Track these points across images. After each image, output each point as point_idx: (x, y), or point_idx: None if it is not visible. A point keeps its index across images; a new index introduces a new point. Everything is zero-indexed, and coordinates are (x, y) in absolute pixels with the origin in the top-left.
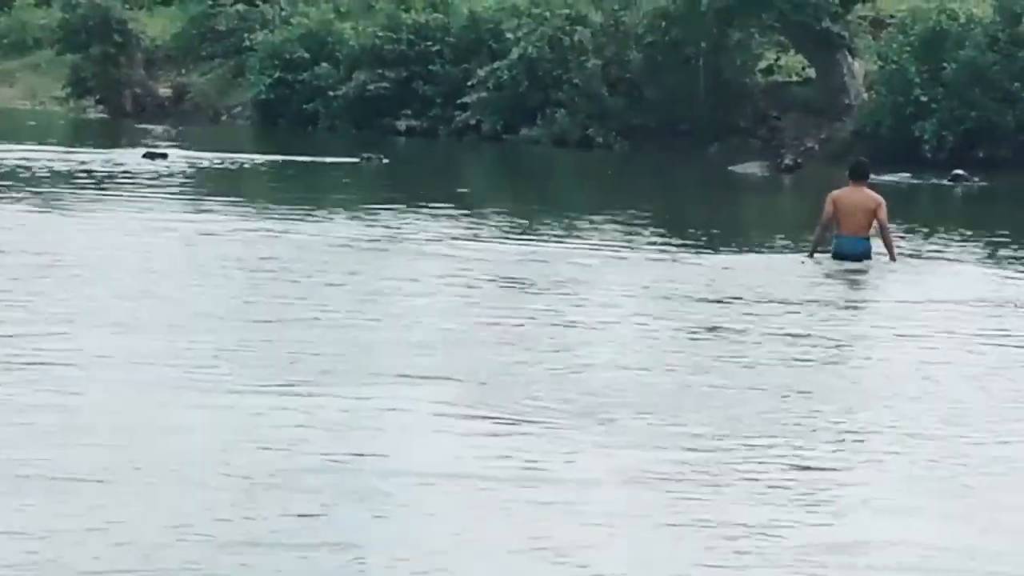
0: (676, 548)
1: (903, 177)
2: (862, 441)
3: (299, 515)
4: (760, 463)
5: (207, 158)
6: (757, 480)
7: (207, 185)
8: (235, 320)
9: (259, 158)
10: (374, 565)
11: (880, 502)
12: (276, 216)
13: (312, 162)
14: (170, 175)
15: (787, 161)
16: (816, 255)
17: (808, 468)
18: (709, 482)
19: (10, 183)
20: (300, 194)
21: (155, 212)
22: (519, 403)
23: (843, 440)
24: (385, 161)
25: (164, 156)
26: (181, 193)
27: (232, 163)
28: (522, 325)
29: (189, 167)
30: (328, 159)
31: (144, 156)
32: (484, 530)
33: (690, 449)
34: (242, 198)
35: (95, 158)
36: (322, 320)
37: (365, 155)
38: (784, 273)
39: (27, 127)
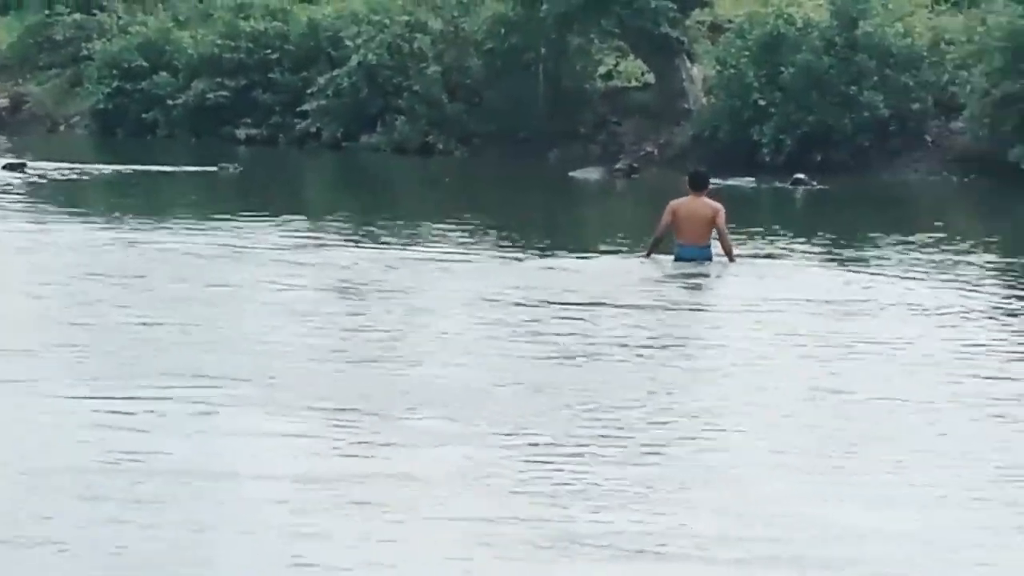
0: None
1: (746, 181)
2: (658, 439)
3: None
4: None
5: (63, 168)
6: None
7: (68, 196)
8: (50, 322)
9: (119, 168)
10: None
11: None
12: (131, 226)
13: (172, 171)
14: (30, 186)
15: (621, 166)
16: (654, 256)
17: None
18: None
19: None
20: (160, 203)
21: (11, 222)
22: (316, 403)
23: (632, 437)
24: (239, 169)
25: (23, 167)
26: (40, 204)
27: (87, 174)
28: (345, 329)
29: (43, 179)
30: (187, 168)
31: (3, 168)
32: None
33: (479, 448)
34: (101, 208)
35: None
36: (132, 323)
37: (222, 164)
38: (622, 274)
39: None
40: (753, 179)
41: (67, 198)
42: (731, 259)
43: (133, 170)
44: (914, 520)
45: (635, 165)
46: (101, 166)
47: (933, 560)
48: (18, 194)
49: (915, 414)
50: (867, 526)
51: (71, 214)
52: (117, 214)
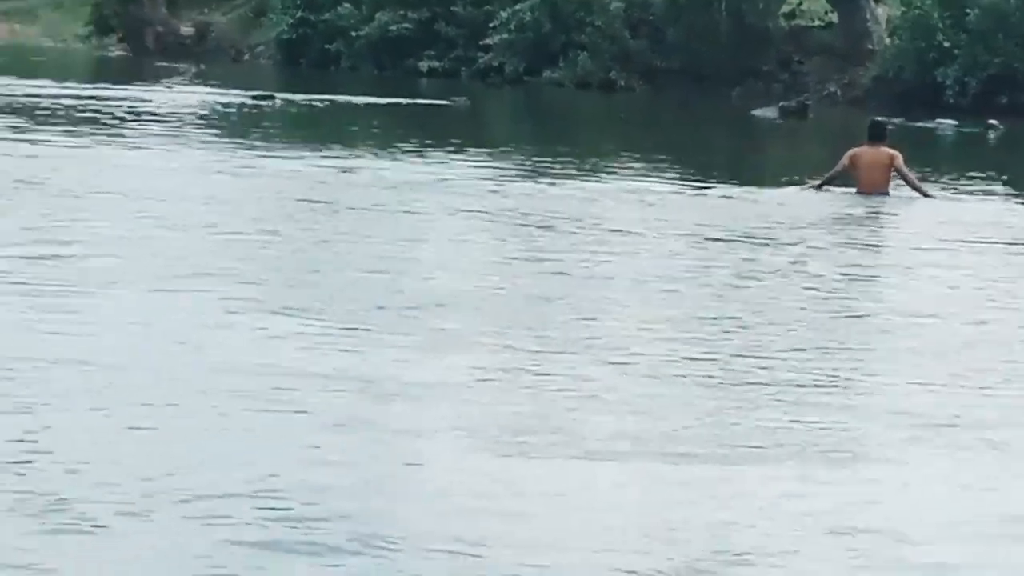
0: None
1: (941, 124)
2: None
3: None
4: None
5: (308, 100)
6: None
7: (313, 126)
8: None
9: (355, 100)
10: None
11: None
12: (362, 155)
13: (407, 104)
14: (279, 116)
15: (789, 104)
16: (831, 188)
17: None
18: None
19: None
20: (395, 135)
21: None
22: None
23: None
24: (468, 103)
25: (272, 98)
26: (288, 132)
27: (328, 105)
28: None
29: (296, 110)
30: (420, 101)
31: (252, 98)
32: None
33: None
34: (342, 138)
35: (207, 100)
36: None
37: (453, 98)
38: (802, 204)
39: (71, 65)
40: (955, 121)
41: (312, 128)
42: (925, 195)
43: (367, 103)
44: None
45: (807, 103)
46: (338, 97)
47: None
48: (268, 124)
49: None
50: None
51: (310, 143)
52: (356, 144)
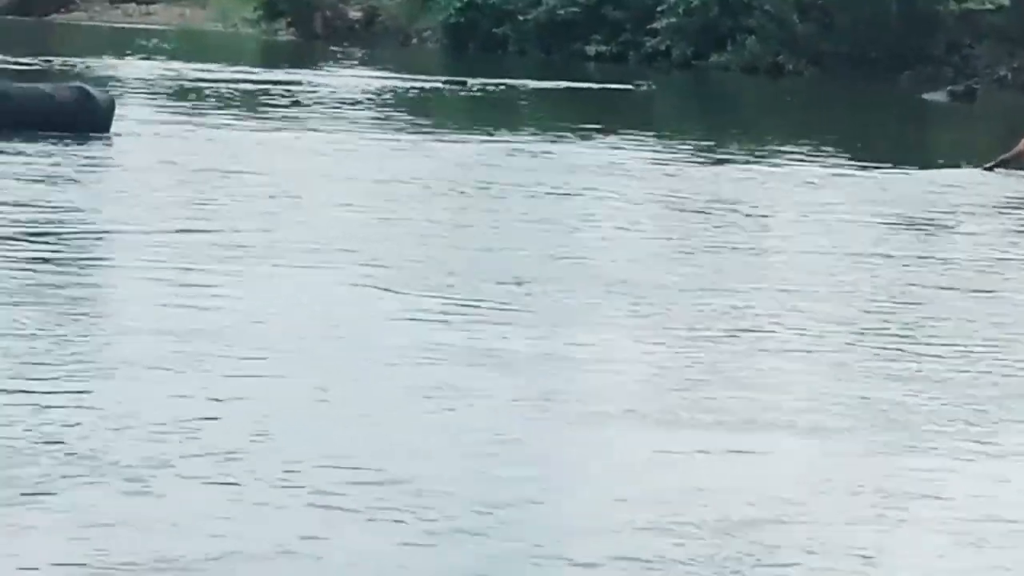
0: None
1: None
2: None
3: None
4: None
5: (496, 84)
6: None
7: (505, 109)
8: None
9: (539, 85)
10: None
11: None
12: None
13: (590, 88)
14: (472, 100)
15: (956, 88)
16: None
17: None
18: None
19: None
20: (585, 118)
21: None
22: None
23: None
24: (653, 87)
25: (464, 83)
26: (479, 115)
27: (515, 88)
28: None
29: (482, 93)
30: (601, 85)
31: (445, 83)
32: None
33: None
34: (528, 121)
35: (386, 84)
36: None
37: (637, 82)
38: (976, 185)
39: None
40: None
41: (504, 111)
42: None
43: (554, 86)
44: None
45: (975, 87)
46: (528, 81)
47: None
48: (459, 108)
49: None
50: None
51: (504, 126)
52: (548, 127)
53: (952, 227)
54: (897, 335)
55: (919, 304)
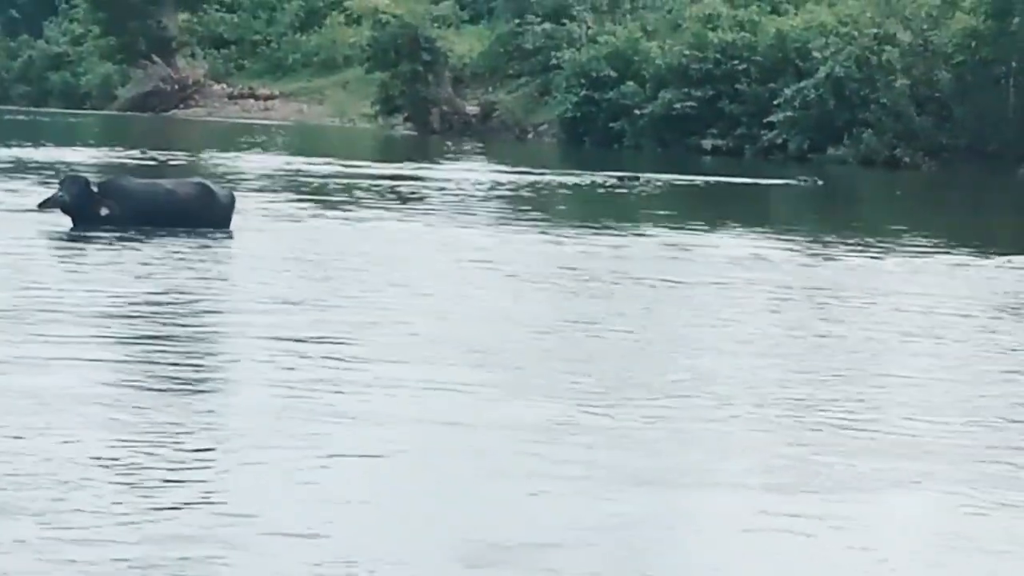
0: None
1: None
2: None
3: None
4: None
5: (669, 180)
6: None
7: (674, 204)
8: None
9: (704, 179)
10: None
11: None
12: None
13: (751, 184)
14: (642, 197)
15: None
16: None
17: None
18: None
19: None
20: (754, 214)
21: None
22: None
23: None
24: (820, 183)
25: (637, 179)
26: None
27: (681, 185)
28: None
29: (656, 189)
30: (763, 181)
31: (618, 179)
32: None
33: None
34: (697, 216)
35: (522, 179)
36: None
37: (801, 177)
38: None
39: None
40: None
41: (674, 205)
42: None
43: (716, 181)
44: None
45: None
46: (693, 177)
47: None
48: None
49: None
50: None
51: (648, 221)
52: (700, 223)
53: None
54: None
55: None
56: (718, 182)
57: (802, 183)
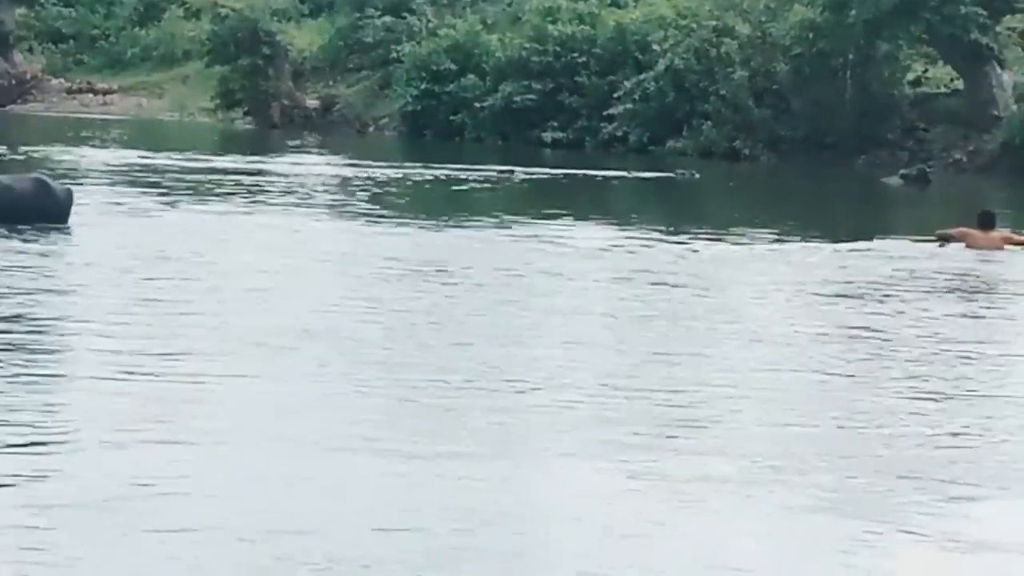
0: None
1: None
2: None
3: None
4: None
5: (547, 174)
6: None
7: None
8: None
9: (595, 173)
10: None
11: None
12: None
13: (634, 177)
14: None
15: (908, 171)
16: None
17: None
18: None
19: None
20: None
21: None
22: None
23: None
24: (697, 176)
25: (511, 172)
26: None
27: (564, 178)
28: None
29: (532, 184)
30: (644, 174)
31: (499, 172)
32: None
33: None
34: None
35: (376, 173)
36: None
37: (680, 171)
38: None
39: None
40: None
41: (561, 198)
42: None
43: (609, 176)
44: None
45: (928, 169)
46: (573, 171)
47: None
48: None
49: None
50: None
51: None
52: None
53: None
54: None
55: None
56: (622, 176)
57: (680, 177)
